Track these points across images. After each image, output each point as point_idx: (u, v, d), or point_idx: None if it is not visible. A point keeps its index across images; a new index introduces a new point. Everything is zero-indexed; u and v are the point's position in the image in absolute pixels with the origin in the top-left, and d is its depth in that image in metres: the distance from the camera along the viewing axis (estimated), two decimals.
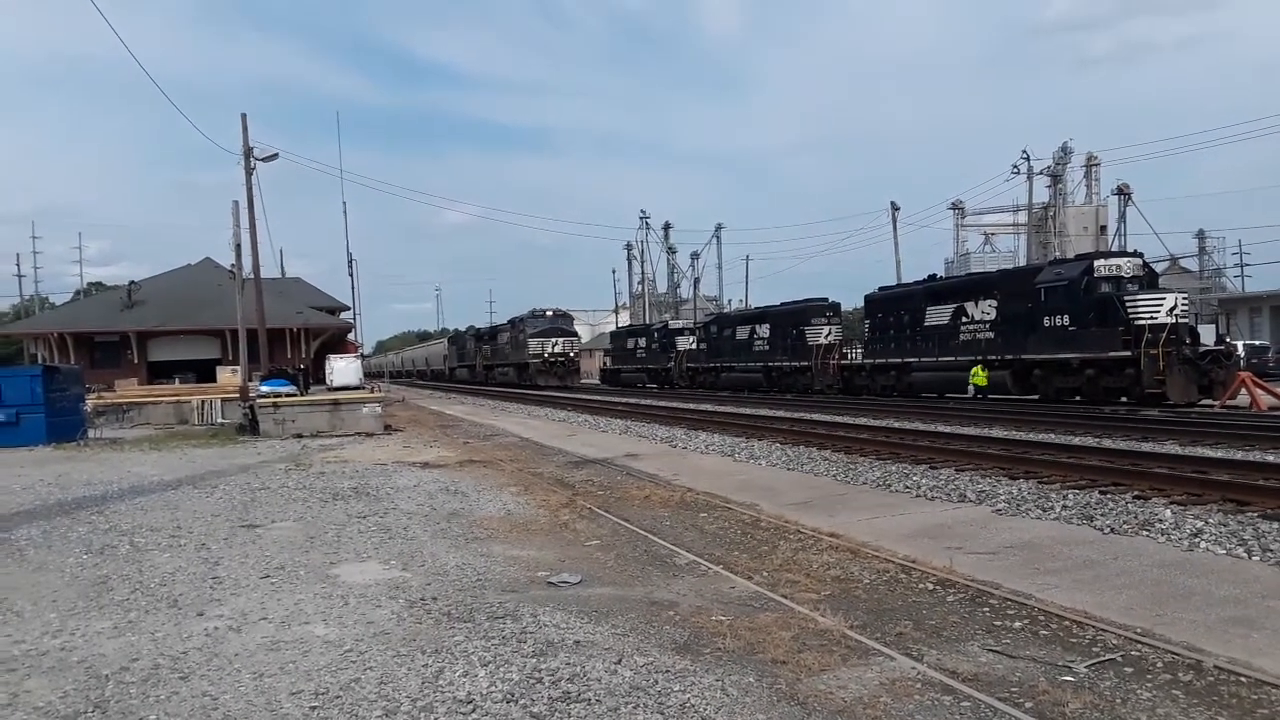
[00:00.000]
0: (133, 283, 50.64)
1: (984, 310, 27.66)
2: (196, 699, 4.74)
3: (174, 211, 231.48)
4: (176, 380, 41.71)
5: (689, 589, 6.89)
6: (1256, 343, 37.35)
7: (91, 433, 24.25)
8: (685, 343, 49.67)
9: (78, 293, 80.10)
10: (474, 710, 4.46)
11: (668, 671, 4.98)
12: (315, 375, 41.53)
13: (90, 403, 27.22)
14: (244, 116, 29.03)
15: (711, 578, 7.27)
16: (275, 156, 29.12)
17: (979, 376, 26.52)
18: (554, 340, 51.23)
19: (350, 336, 54.44)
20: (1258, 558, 7.20)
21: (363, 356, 54.77)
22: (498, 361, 58.99)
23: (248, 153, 28.67)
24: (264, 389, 26.76)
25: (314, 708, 4.55)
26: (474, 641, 5.56)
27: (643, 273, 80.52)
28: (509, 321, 58.44)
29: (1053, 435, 16.94)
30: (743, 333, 42.68)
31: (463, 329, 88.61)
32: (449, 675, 4.96)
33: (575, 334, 54.72)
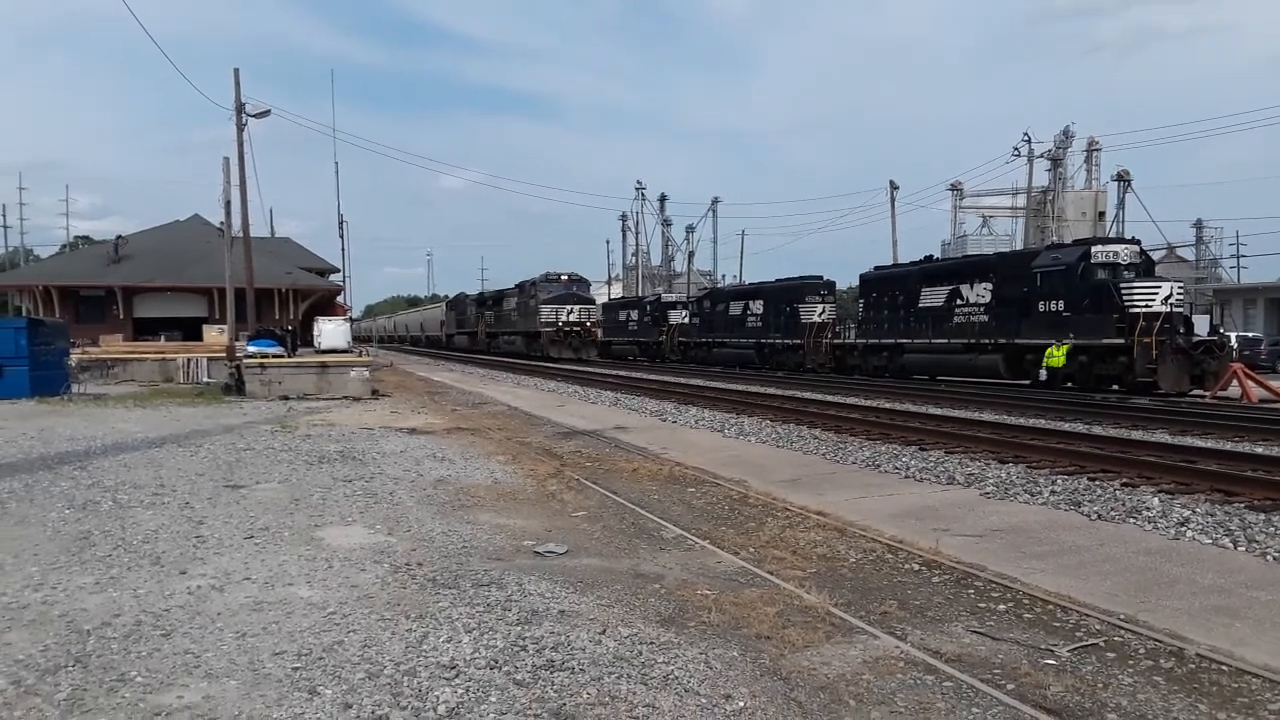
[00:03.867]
0: (120, 237, 50.09)
1: (979, 293, 27.58)
2: (178, 656, 4.72)
3: (167, 167, 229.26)
4: (162, 337, 41.51)
5: (675, 562, 6.89)
6: (1250, 334, 37.41)
7: (75, 388, 24.09)
8: (678, 316, 49.40)
9: (64, 246, 79.38)
10: (457, 675, 4.44)
11: (652, 643, 4.97)
12: (303, 337, 41.37)
13: (75, 357, 27.02)
14: (236, 71, 28.62)
15: (698, 552, 7.26)
16: (268, 113, 28.75)
17: (1055, 357, 23.11)
18: (569, 308, 46.76)
19: (339, 299, 54.05)
20: (1243, 548, 7.22)
21: (352, 320, 54.09)
22: (503, 329, 55.19)
23: (240, 108, 28.29)
24: (251, 349, 26.60)
25: (296, 668, 4.53)
26: (459, 608, 5.54)
27: (637, 244, 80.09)
28: (517, 286, 53.42)
29: (1043, 420, 16.98)
30: (736, 308, 42.57)
31: (454, 294, 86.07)
32: (433, 640, 4.94)
33: (592, 301, 50.78)
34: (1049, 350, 23.46)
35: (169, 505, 8.87)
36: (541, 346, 46.69)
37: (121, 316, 46.25)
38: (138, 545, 7.18)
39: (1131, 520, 8.23)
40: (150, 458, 12.17)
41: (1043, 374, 23.74)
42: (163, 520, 8.15)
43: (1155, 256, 30.92)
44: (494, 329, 57.51)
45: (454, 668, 4.54)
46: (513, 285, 54.85)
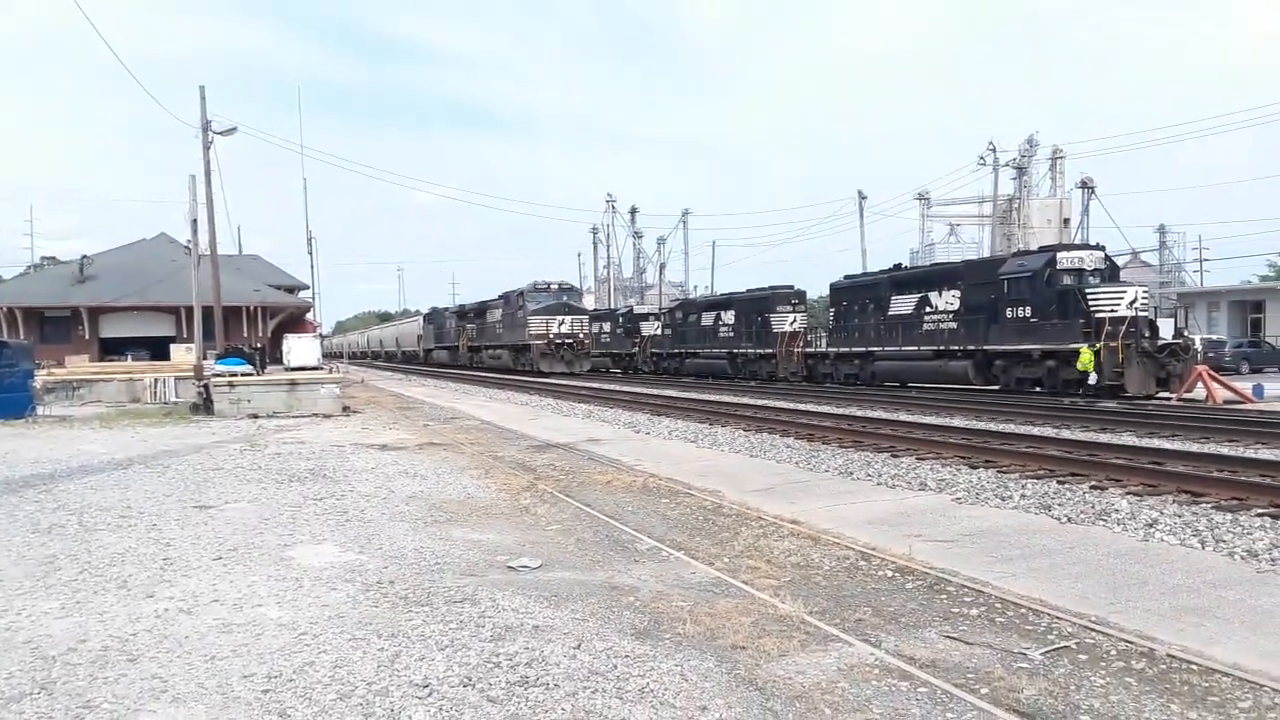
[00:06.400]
0: (85, 257, 49.53)
1: (948, 300, 27.87)
2: (145, 681, 4.63)
3: (135, 187, 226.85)
4: (129, 357, 40.96)
5: (650, 574, 6.87)
6: (1214, 337, 38.05)
7: (40, 410, 23.68)
8: (650, 328, 49.37)
9: (30, 267, 78.15)
10: (430, 694, 4.40)
11: (627, 656, 4.95)
12: (272, 355, 41.02)
13: (39, 379, 26.59)
14: (202, 89, 28.53)
15: (672, 563, 7.24)
16: (234, 130, 28.59)
17: (1087, 360, 21.69)
18: (560, 318, 44.38)
19: (309, 316, 53.64)
20: (1210, 548, 7.32)
21: (322, 336, 53.53)
22: (487, 342, 52.52)
23: (205, 126, 28.11)
24: (219, 368, 26.34)
25: (266, 691, 4.47)
26: (431, 625, 5.49)
27: (608, 257, 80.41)
28: (502, 296, 50.50)
29: (1012, 425, 17.15)
30: (708, 319, 42.69)
31: (427, 309, 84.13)
32: (405, 659, 4.89)
33: (585, 311, 48.67)
34: (1081, 358, 22.08)
35: (136, 527, 8.73)
36: (531, 360, 44.19)
37: (87, 337, 45.66)
38: (104, 569, 7.06)
39: (1101, 523, 8.32)
40: (117, 479, 11.98)
41: (1092, 378, 22.04)
42: (130, 543, 8.02)
43: (1120, 262, 31.42)
44: (476, 342, 55.02)
45: (427, 686, 4.50)
46: (497, 295, 51.92)
